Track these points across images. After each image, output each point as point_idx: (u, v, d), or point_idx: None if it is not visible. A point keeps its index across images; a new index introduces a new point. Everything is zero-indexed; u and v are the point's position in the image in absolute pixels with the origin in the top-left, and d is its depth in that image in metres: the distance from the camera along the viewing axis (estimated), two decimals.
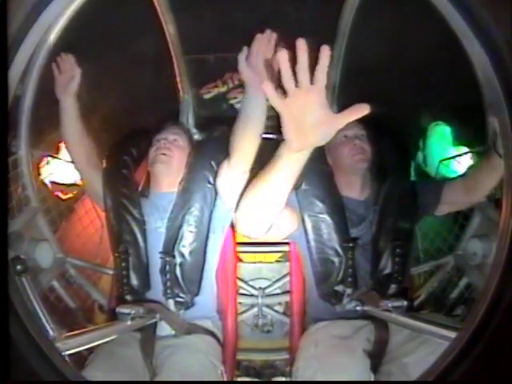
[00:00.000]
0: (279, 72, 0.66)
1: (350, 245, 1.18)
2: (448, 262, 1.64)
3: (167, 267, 1.23)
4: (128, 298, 1.23)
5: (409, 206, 1.29)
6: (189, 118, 1.94)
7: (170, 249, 1.25)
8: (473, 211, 1.54)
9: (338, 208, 1.23)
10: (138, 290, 1.24)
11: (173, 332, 1.19)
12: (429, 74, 1.73)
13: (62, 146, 1.69)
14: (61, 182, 1.83)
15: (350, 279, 1.18)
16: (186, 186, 1.30)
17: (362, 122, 1.29)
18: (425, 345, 0.99)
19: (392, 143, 1.40)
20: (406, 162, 1.43)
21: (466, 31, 0.69)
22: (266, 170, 0.82)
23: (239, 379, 1.58)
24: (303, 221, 1.21)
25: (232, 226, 1.34)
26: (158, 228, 1.29)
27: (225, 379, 1.19)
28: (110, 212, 1.31)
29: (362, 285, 1.20)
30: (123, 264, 1.24)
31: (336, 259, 1.19)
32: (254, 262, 1.87)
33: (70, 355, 0.79)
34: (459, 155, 1.85)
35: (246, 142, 1.09)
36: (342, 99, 1.87)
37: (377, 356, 1.07)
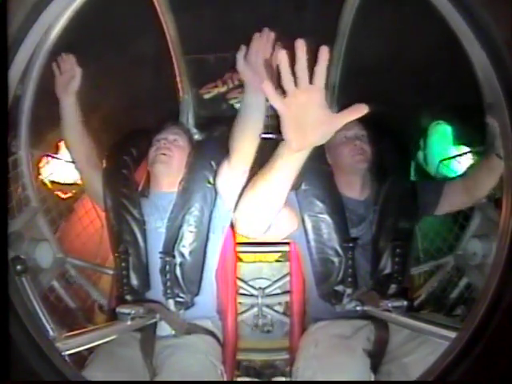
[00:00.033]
0: (278, 72, 0.66)
1: (350, 245, 1.18)
2: (448, 261, 1.64)
3: (167, 267, 1.23)
4: (128, 298, 1.23)
5: (409, 206, 1.29)
6: (189, 118, 1.94)
7: (170, 249, 1.25)
8: (473, 211, 1.54)
9: (338, 208, 1.23)
10: (138, 290, 1.24)
11: (173, 332, 1.19)
12: (429, 73, 1.73)
13: (62, 145, 1.70)
14: (61, 181, 1.83)
15: (349, 279, 1.18)
16: (186, 185, 1.30)
17: (363, 122, 1.29)
18: (425, 345, 0.99)
19: (392, 143, 1.40)
20: (406, 162, 1.43)
21: (466, 31, 0.69)
22: (265, 169, 0.82)
23: (239, 379, 1.58)
24: (303, 221, 1.21)
25: (232, 226, 1.34)
26: (157, 228, 1.29)
27: (225, 379, 1.19)
28: (110, 212, 1.31)
29: (362, 285, 1.20)
30: (123, 264, 1.24)
31: (336, 259, 1.19)
32: (254, 262, 1.87)
33: (69, 355, 0.79)
34: (459, 155, 1.85)
35: (246, 142, 1.09)
36: (341, 99, 1.87)
37: (377, 356, 1.07)
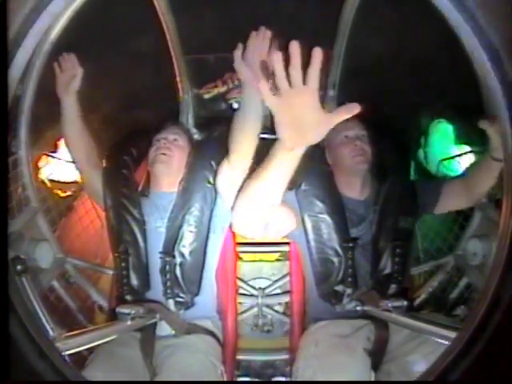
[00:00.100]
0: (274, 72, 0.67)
1: (350, 245, 1.18)
2: (448, 261, 1.64)
3: (167, 267, 1.23)
4: (128, 298, 1.23)
5: (409, 206, 1.29)
6: (189, 117, 1.93)
7: (170, 249, 1.25)
8: (473, 211, 1.54)
9: (338, 208, 1.23)
10: (138, 290, 1.24)
11: (173, 332, 1.19)
12: (429, 73, 1.73)
13: (61, 143, 1.70)
14: (60, 180, 1.83)
15: (349, 279, 1.18)
16: (186, 185, 1.31)
17: (363, 122, 1.29)
18: (425, 344, 0.99)
19: (392, 143, 1.40)
20: (406, 162, 1.43)
21: (466, 31, 0.69)
22: (260, 169, 0.83)
23: (239, 379, 1.58)
24: (303, 221, 1.21)
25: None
26: (157, 228, 1.29)
27: (225, 379, 1.19)
28: (109, 212, 1.31)
29: (362, 285, 1.20)
30: (123, 264, 1.24)
31: (336, 259, 1.19)
32: (254, 261, 1.87)
33: (69, 355, 0.79)
34: (460, 155, 1.85)
35: (245, 141, 1.09)
36: (341, 99, 1.87)
37: (377, 355, 1.07)
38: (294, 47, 0.64)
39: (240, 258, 1.81)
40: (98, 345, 0.98)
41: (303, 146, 0.75)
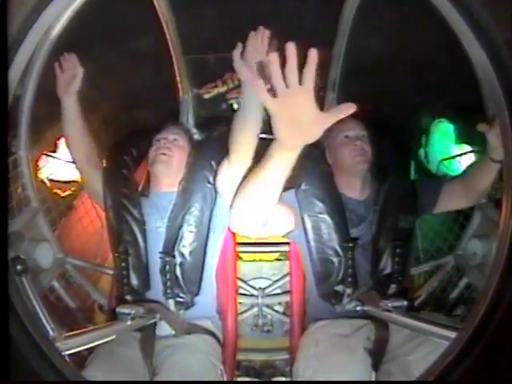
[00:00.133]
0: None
1: (350, 245, 1.18)
2: (448, 261, 1.64)
3: (167, 267, 1.23)
4: (128, 298, 1.23)
5: (409, 206, 1.29)
6: (189, 117, 1.93)
7: (170, 249, 1.25)
8: (473, 211, 1.54)
9: (338, 208, 1.23)
10: (138, 290, 1.24)
11: (173, 332, 1.19)
12: (429, 73, 1.73)
13: (61, 143, 1.70)
14: (60, 179, 1.83)
15: (349, 279, 1.18)
16: (186, 185, 1.31)
17: (363, 122, 1.29)
18: (425, 344, 0.99)
19: (392, 143, 1.40)
20: (406, 161, 1.43)
21: (466, 31, 0.69)
22: (258, 168, 0.84)
23: (239, 379, 1.58)
24: (303, 221, 1.21)
25: None
26: (157, 228, 1.29)
27: (225, 379, 1.19)
28: (109, 212, 1.31)
29: (362, 285, 1.20)
30: (123, 264, 1.24)
31: (336, 259, 1.19)
32: (254, 261, 1.87)
33: (69, 355, 0.79)
34: (460, 154, 1.85)
35: (245, 141, 1.09)
36: (342, 99, 1.87)
37: (377, 355, 1.07)
38: (291, 48, 0.65)
39: (240, 258, 1.81)
40: (98, 345, 0.98)
41: (300, 145, 0.76)
